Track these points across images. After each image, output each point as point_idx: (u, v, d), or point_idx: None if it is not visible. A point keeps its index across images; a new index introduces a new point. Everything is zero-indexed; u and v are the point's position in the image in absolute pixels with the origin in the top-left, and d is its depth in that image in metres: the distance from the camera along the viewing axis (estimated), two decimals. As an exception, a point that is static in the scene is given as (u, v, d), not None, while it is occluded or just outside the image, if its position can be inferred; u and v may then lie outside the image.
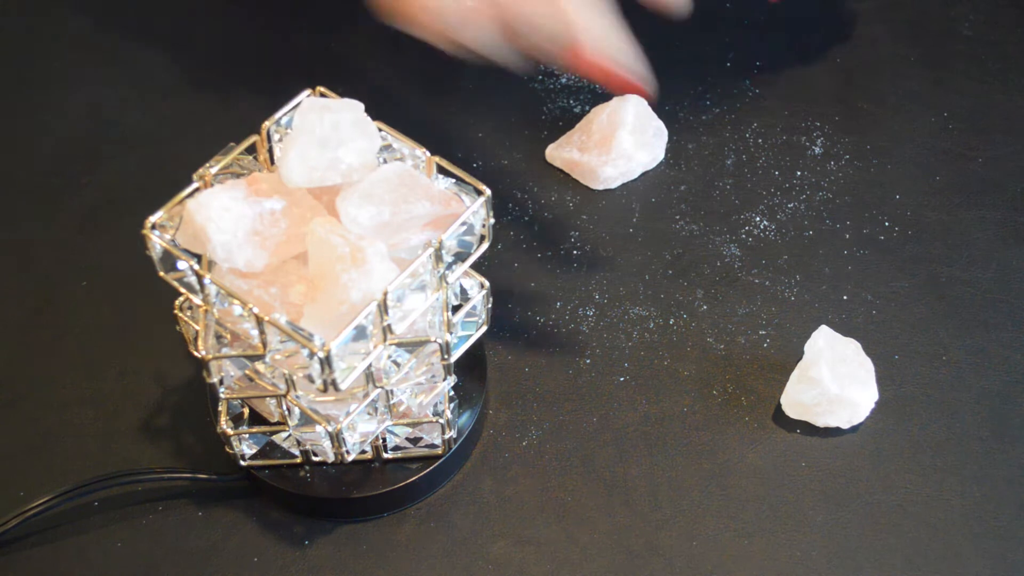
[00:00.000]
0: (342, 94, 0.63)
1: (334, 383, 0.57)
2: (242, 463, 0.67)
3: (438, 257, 0.59)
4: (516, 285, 0.78)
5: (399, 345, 0.61)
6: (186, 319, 0.63)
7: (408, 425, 0.67)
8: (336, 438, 0.63)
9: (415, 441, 0.68)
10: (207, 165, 0.62)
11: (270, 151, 0.63)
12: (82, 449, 0.71)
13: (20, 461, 0.71)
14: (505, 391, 0.73)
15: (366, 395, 0.62)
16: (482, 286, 0.65)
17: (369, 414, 0.64)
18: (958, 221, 0.81)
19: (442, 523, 0.68)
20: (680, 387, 0.73)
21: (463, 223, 0.60)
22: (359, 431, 0.65)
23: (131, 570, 0.67)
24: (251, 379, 0.64)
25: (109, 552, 0.67)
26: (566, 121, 0.86)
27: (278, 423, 0.66)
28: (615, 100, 0.84)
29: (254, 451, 0.68)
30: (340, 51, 0.91)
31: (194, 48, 0.92)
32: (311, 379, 0.58)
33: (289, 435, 0.67)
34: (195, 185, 0.61)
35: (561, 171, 0.84)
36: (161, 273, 0.61)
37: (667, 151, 0.85)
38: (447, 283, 0.61)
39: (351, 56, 0.91)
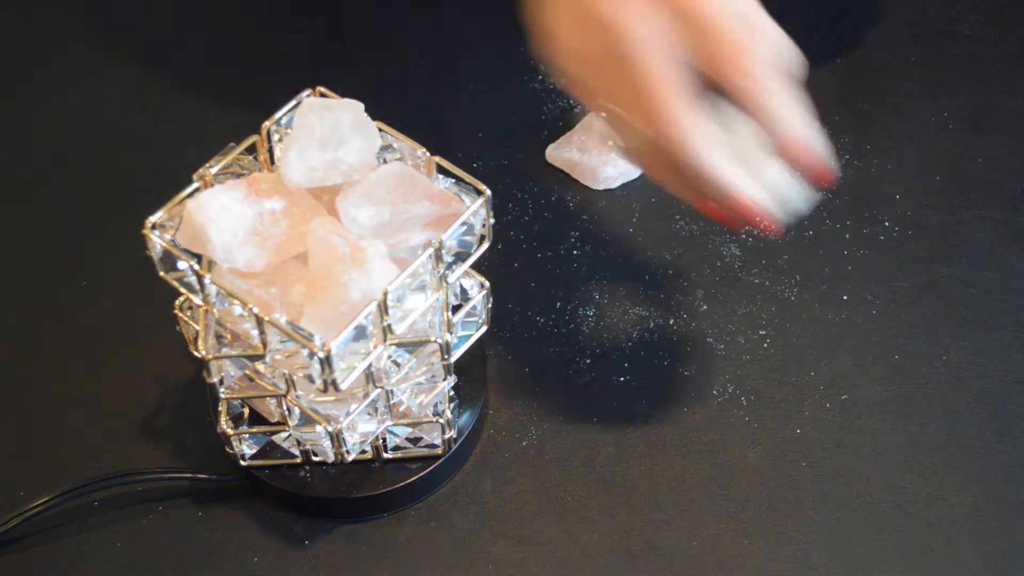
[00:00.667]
0: (342, 94, 0.63)
1: (334, 383, 0.57)
2: (242, 463, 0.67)
3: (438, 257, 0.59)
4: (516, 285, 0.78)
5: (399, 345, 0.61)
6: (186, 319, 0.63)
7: (408, 425, 0.67)
8: (336, 438, 0.63)
9: (415, 441, 0.68)
10: (207, 165, 0.62)
11: (270, 151, 0.63)
12: (82, 449, 0.71)
13: (20, 461, 0.71)
14: (505, 391, 0.73)
15: (366, 395, 0.62)
16: (482, 286, 0.65)
17: (369, 414, 0.64)
18: (958, 221, 0.81)
19: (442, 523, 0.68)
20: (680, 387, 0.73)
21: (463, 223, 0.60)
22: (359, 431, 0.65)
23: (131, 570, 0.67)
24: (251, 379, 0.64)
25: (109, 552, 0.67)
26: (566, 121, 0.86)
27: (278, 423, 0.66)
28: None
29: (254, 451, 0.68)
30: (340, 51, 0.91)
31: (194, 48, 0.92)
32: (311, 379, 0.58)
33: (289, 435, 0.67)
34: (195, 185, 0.61)
35: (561, 171, 0.84)
36: (161, 273, 0.61)
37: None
38: (447, 283, 0.61)
39: (351, 56, 0.91)
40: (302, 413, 0.63)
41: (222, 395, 0.64)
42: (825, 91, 0.88)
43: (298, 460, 0.67)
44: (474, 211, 0.60)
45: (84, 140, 0.87)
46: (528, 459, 0.71)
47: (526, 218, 0.81)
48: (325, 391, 0.58)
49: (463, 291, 0.66)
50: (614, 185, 0.82)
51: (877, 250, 0.79)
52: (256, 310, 0.56)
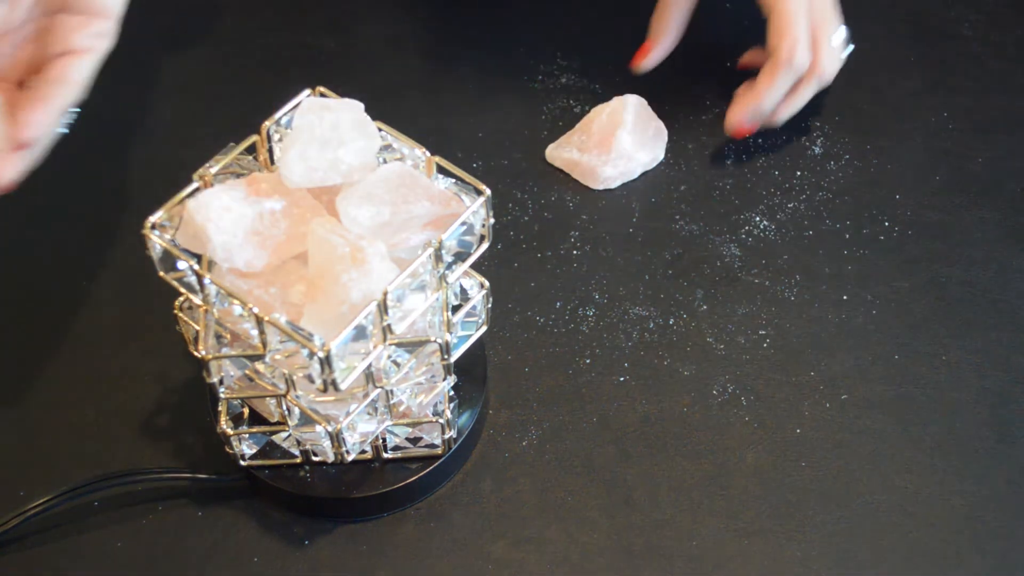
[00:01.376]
0: (342, 94, 0.63)
1: (334, 383, 0.57)
2: (242, 463, 0.67)
3: (438, 257, 0.59)
4: (516, 285, 0.78)
5: (399, 345, 0.61)
6: (186, 319, 0.63)
7: (408, 425, 0.67)
8: (336, 438, 0.63)
9: (415, 441, 0.68)
10: (207, 165, 0.62)
11: (270, 151, 0.63)
12: (82, 449, 0.71)
13: (20, 461, 0.71)
14: (505, 391, 0.73)
15: (366, 395, 0.62)
16: (482, 286, 0.65)
17: (369, 414, 0.64)
18: (958, 221, 0.81)
19: (442, 523, 0.68)
20: (680, 387, 0.73)
21: (463, 223, 0.60)
22: (359, 431, 0.65)
23: (131, 570, 0.67)
24: (251, 379, 0.64)
25: (109, 552, 0.67)
26: (566, 121, 0.86)
27: (278, 423, 0.66)
28: (615, 100, 0.84)
29: (254, 451, 0.68)
30: (340, 51, 0.91)
31: (194, 48, 0.92)
32: (311, 379, 0.58)
33: (289, 435, 0.67)
34: (195, 185, 0.61)
35: (561, 171, 0.84)
36: (161, 273, 0.61)
37: (667, 151, 0.85)
38: (447, 283, 0.61)
39: (351, 56, 0.91)
40: (302, 413, 0.63)
41: (222, 395, 0.64)
42: (825, 91, 0.88)
43: (298, 460, 0.67)
44: (474, 211, 0.60)
45: (84, 140, 0.86)
46: (528, 459, 0.71)
47: (526, 218, 0.81)
48: (325, 391, 0.58)
49: (463, 291, 0.66)
50: (614, 185, 0.82)
51: (877, 250, 0.79)
52: (256, 310, 0.56)
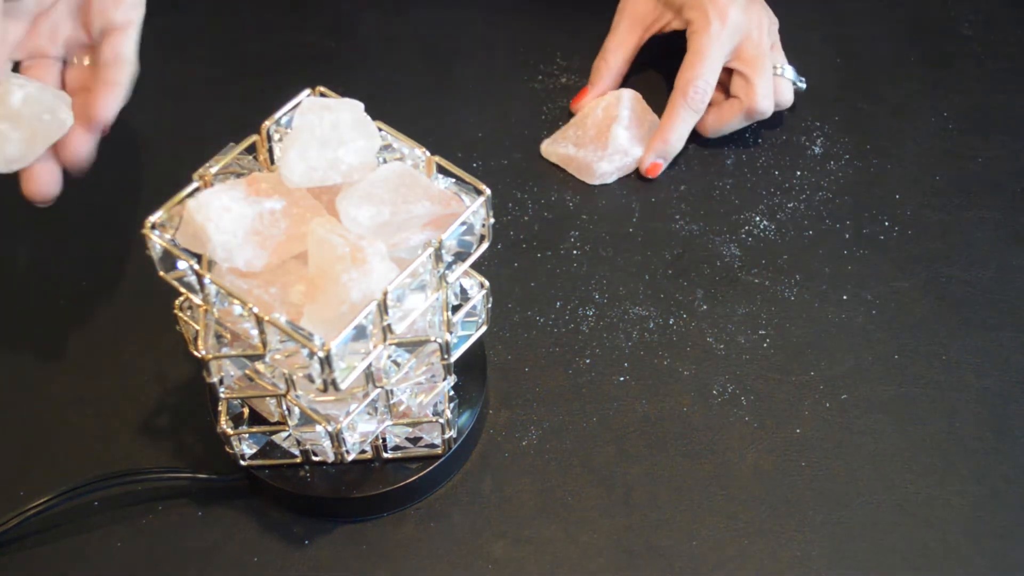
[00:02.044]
0: (342, 94, 0.63)
1: (334, 383, 0.57)
2: (242, 463, 0.67)
3: (438, 257, 0.59)
4: (516, 285, 0.78)
5: (399, 345, 0.61)
6: (186, 319, 0.63)
7: (408, 425, 0.67)
8: (336, 438, 0.63)
9: (415, 441, 0.68)
10: (207, 165, 0.62)
11: (270, 151, 0.63)
12: (82, 449, 0.71)
13: (20, 461, 0.71)
14: (505, 391, 0.73)
15: (366, 395, 0.62)
16: (482, 286, 0.65)
17: (369, 414, 0.64)
18: (958, 221, 0.81)
19: (442, 523, 0.68)
20: (680, 387, 0.73)
21: (463, 223, 0.60)
22: (359, 431, 0.65)
23: (131, 570, 0.67)
24: (251, 379, 0.64)
25: (109, 552, 0.67)
26: (566, 121, 0.86)
27: (278, 423, 0.66)
28: (610, 95, 0.84)
29: (254, 451, 0.68)
30: (340, 51, 0.91)
31: (194, 48, 0.92)
32: (311, 379, 0.58)
33: (289, 435, 0.67)
34: (195, 185, 0.61)
35: (559, 168, 0.84)
36: (161, 273, 0.61)
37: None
38: (447, 283, 0.61)
39: (351, 56, 0.91)
40: (302, 413, 0.63)
41: (222, 395, 0.64)
42: (825, 91, 0.88)
43: (298, 460, 0.67)
44: (474, 211, 0.60)
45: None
46: (528, 459, 0.71)
47: (526, 218, 0.81)
48: (325, 391, 0.58)
49: (463, 291, 0.66)
50: (610, 180, 0.82)
51: (877, 250, 0.79)
52: (256, 310, 0.56)
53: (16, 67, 0.69)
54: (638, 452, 0.71)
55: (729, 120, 0.83)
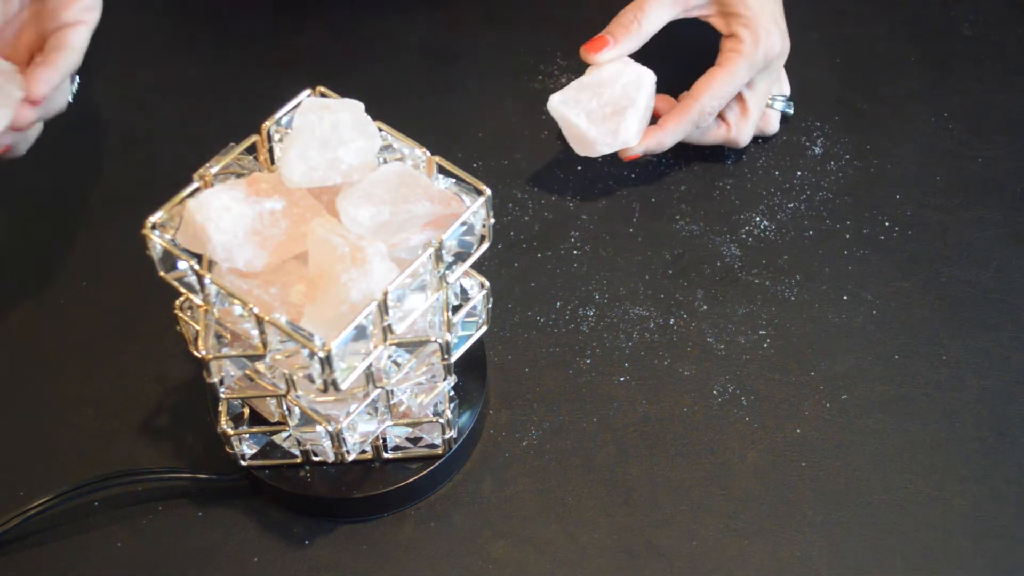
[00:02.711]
0: (342, 94, 0.63)
1: (334, 383, 0.57)
2: (242, 463, 0.67)
3: (438, 257, 0.59)
4: (516, 285, 0.78)
5: (399, 345, 0.61)
6: (186, 319, 0.63)
7: (408, 425, 0.67)
8: (336, 438, 0.63)
9: (415, 441, 0.68)
10: (207, 165, 0.62)
11: (270, 151, 0.63)
12: (82, 449, 0.71)
13: (20, 461, 0.71)
14: (505, 391, 0.73)
15: (366, 395, 0.62)
16: (482, 286, 0.65)
17: (369, 414, 0.64)
18: (958, 221, 0.81)
19: (442, 523, 0.68)
20: (680, 387, 0.73)
21: (463, 223, 0.60)
22: (359, 431, 0.65)
23: (131, 570, 0.67)
24: (251, 379, 0.64)
25: (109, 552, 0.67)
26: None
27: (278, 423, 0.66)
28: (633, 71, 0.80)
29: (254, 451, 0.68)
30: (340, 51, 0.91)
31: (195, 48, 0.92)
32: (311, 379, 0.58)
33: (289, 435, 0.67)
34: (195, 185, 0.61)
35: (560, 172, 0.84)
36: (161, 273, 0.61)
37: (667, 151, 0.84)
38: (447, 283, 0.61)
39: (351, 56, 0.91)
40: (302, 413, 0.63)
41: (222, 395, 0.64)
42: (825, 91, 0.88)
43: (298, 460, 0.67)
44: (474, 211, 0.60)
45: (85, 140, 0.87)
46: (528, 459, 0.71)
47: (526, 218, 0.81)
48: (325, 391, 0.58)
49: (463, 291, 0.66)
50: (596, 156, 0.80)
51: (877, 250, 0.79)
52: (256, 310, 0.56)
53: None
54: (638, 452, 0.71)
55: (710, 141, 0.83)
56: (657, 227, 0.81)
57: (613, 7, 0.89)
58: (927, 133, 0.86)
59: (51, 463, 0.71)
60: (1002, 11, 0.93)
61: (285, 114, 0.63)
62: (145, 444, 0.71)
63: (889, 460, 0.70)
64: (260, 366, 0.63)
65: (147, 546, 0.68)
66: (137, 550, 0.67)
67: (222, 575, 0.67)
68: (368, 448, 0.67)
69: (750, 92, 0.81)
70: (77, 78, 0.74)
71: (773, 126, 0.84)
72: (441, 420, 0.66)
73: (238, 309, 0.59)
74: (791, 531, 0.68)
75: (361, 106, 0.62)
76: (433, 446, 0.68)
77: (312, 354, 0.56)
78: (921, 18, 0.93)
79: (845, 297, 0.77)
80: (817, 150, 0.85)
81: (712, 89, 0.79)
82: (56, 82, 0.71)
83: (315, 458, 0.67)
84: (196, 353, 0.61)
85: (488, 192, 0.61)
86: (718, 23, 0.82)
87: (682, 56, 0.83)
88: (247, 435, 0.67)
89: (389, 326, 0.59)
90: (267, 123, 0.62)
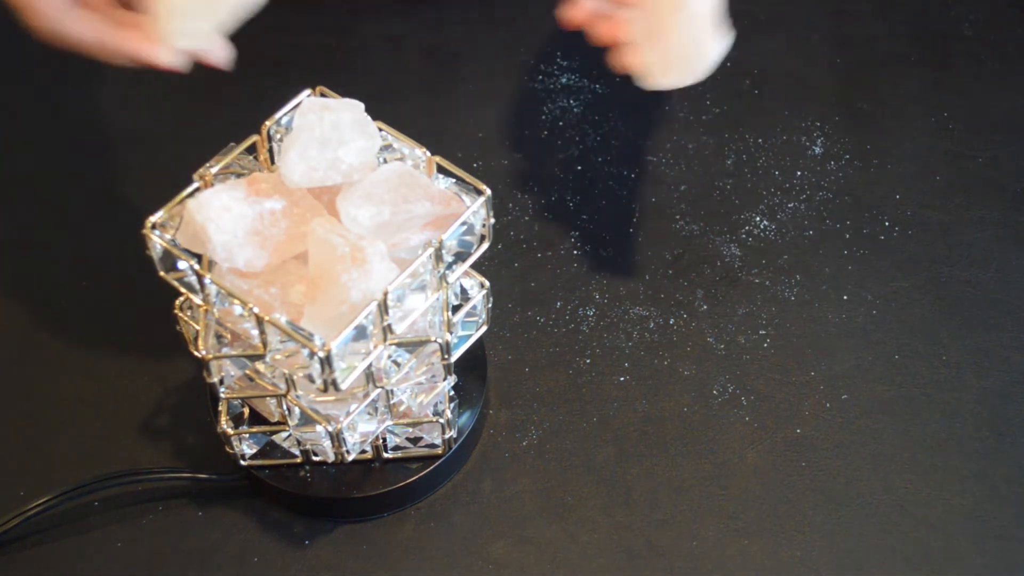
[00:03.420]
0: (342, 94, 0.63)
1: (334, 383, 0.57)
2: (242, 463, 0.67)
3: (438, 257, 0.59)
4: (516, 285, 0.78)
5: (399, 345, 0.61)
6: (186, 319, 0.63)
7: (408, 425, 0.67)
8: (336, 438, 0.63)
9: (415, 441, 0.68)
10: (207, 165, 0.62)
11: (270, 151, 0.63)
12: (82, 449, 0.71)
13: (20, 461, 0.71)
14: (505, 391, 0.73)
15: (366, 395, 0.62)
16: (482, 286, 0.65)
17: (369, 414, 0.64)
18: (958, 221, 0.81)
19: (442, 523, 0.68)
20: (680, 387, 0.73)
21: (463, 223, 0.60)
22: (359, 431, 0.65)
23: (131, 570, 0.67)
24: (251, 379, 0.64)
25: (109, 552, 0.67)
26: (566, 121, 0.86)
27: (278, 423, 0.66)
28: None
29: (254, 451, 0.68)
30: (340, 51, 0.91)
31: (194, 48, 0.92)
32: (311, 379, 0.58)
33: (289, 435, 0.67)
34: (195, 185, 0.61)
35: (560, 172, 0.83)
36: (161, 273, 0.61)
37: (667, 151, 0.84)
38: (447, 283, 0.61)
39: (351, 56, 0.91)
40: (302, 413, 0.63)
41: (222, 395, 0.64)
42: (825, 91, 0.88)
43: (298, 460, 0.67)
44: (474, 211, 0.60)
45: (85, 140, 0.87)
46: (528, 459, 0.71)
47: (526, 218, 0.81)
48: (325, 391, 0.58)
49: (463, 291, 0.66)
50: None
51: (877, 250, 0.79)
52: (256, 310, 0.56)
53: None
54: (638, 452, 0.71)
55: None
56: (657, 227, 0.81)
57: (613, 7, 0.88)
58: (927, 133, 0.86)
59: (51, 463, 0.71)
60: (1002, 11, 0.93)
61: (285, 114, 0.63)
62: (145, 444, 0.71)
63: (889, 460, 0.70)
64: (260, 366, 0.63)
65: (147, 546, 0.68)
66: (137, 550, 0.67)
67: (222, 575, 0.67)
68: (368, 448, 0.67)
69: None
70: None
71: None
72: (441, 420, 0.66)
73: (238, 309, 0.59)
74: (791, 531, 0.68)
75: (361, 106, 0.62)
76: (433, 446, 0.68)
77: (312, 354, 0.56)
78: (921, 18, 0.93)
79: (845, 297, 0.77)
80: (817, 150, 0.85)
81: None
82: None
83: (315, 458, 0.67)
84: (196, 353, 0.61)
85: (488, 192, 0.61)
86: None
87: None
88: (247, 435, 0.67)
89: (389, 326, 0.59)
90: (267, 123, 0.62)
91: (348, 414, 0.63)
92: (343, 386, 0.58)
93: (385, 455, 0.68)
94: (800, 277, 0.78)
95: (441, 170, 0.62)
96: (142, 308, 0.76)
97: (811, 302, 0.77)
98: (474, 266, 0.64)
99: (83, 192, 0.83)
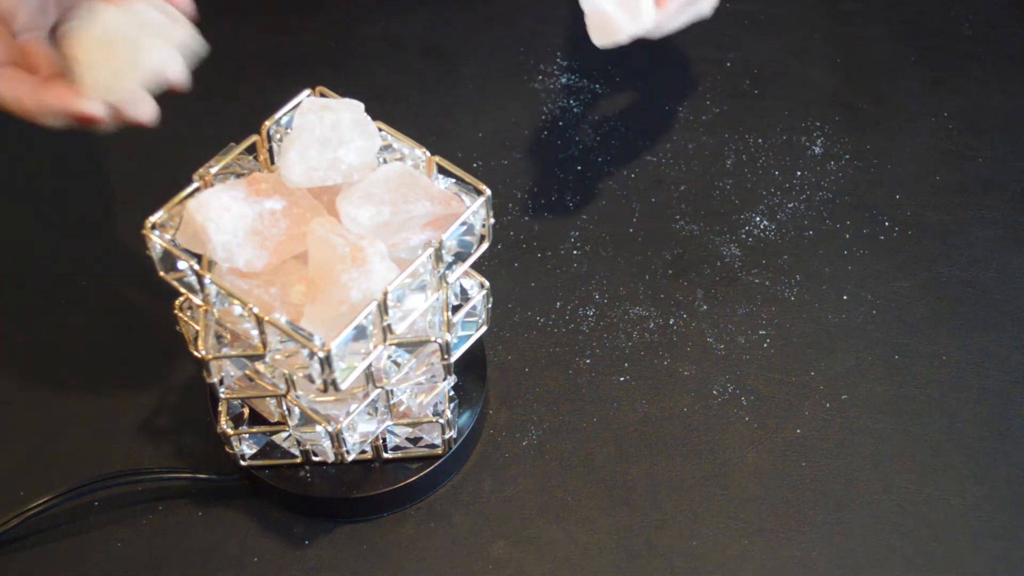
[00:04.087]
0: (342, 94, 0.63)
1: (334, 383, 0.57)
2: (242, 463, 0.67)
3: (438, 257, 0.59)
4: (516, 285, 0.78)
5: (399, 345, 0.61)
6: (186, 319, 0.63)
7: (408, 425, 0.67)
8: (336, 438, 0.63)
9: (415, 441, 0.68)
10: (207, 165, 0.62)
11: (270, 151, 0.63)
12: (82, 449, 0.71)
13: (20, 461, 0.71)
14: (505, 391, 0.73)
15: (366, 395, 0.62)
16: (482, 286, 0.65)
17: (369, 414, 0.64)
18: (958, 221, 0.81)
19: (442, 523, 0.68)
20: (680, 387, 0.73)
21: (463, 223, 0.60)
22: (359, 431, 0.65)
23: (131, 570, 0.67)
24: (251, 379, 0.64)
25: (109, 552, 0.67)
26: (566, 121, 0.86)
27: (278, 423, 0.66)
28: None
29: (254, 451, 0.68)
30: (340, 51, 0.91)
31: (194, 48, 0.92)
32: (311, 379, 0.58)
33: (289, 435, 0.67)
34: (195, 185, 0.61)
35: (560, 172, 0.84)
36: (161, 273, 0.61)
37: (667, 151, 0.84)
38: (447, 283, 0.61)
39: (351, 56, 0.91)
40: (302, 413, 0.63)
41: (222, 395, 0.64)
42: (825, 91, 0.88)
43: (298, 460, 0.67)
44: (474, 211, 0.60)
45: (85, 140, 0.87)
46: (528, 459, 0.71)
47: (526, 218, 0.81)
48: (325, 391, 0.58)
49: (463, 291, 0.66)
50: (624, 40, 0.75)
51: (877, 250, 0.79)
52: (256, 310, 0.56)
53: None
54: (638, 452, 0.71)
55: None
56: (657, 227, 0.81)
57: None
58: (927, 133, 0.86)
59: (51, 463, 0.71)
60: (1002, 11, 0.93)
61: (285, 114, 0.63)
62: (145, 444, 0.71)
63: (889, 460, 0.70)
64: (260, 366, 0.63)
65: (147, 546, 0.68)
66: (137, 550, 0.67)
67: (222, 575, 0.67)
68: (368, 448, 0.67)
69: None
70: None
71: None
72: (441, 420, 0.66)
73: (238, 309, 0.59)
74: (791, 531, 0.68)
75: (361, 106, 0.62)
76: (433, 446, 0.68)
77: (312, 354, 0.56)
78: (921, 18, 0.93)
79: (845, 297, 0.77)
80: (817, 150, 0.85)
81: None
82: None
83: (315, 458, 0.67)
84: (196, 353, 0.61)
85: (488, 192, 0.61)
86: None
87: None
88: (247, 435, 0.67)
89: (389, 326, 0.59)
90: (267, 123, 0.62)
91: (348, 414, 0.63)
92: (343, 386, 0.58)
93: (385, 455, 0.68)
94: (800, 277, 0.78)
95: (441, 170, 0.62)
96: (142, 308, 0.77)
97: (811, 302, 0.77)
98: (474, 266, 0.64)
99: (83, 192, 0.83)
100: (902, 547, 0.67)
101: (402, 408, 0.66)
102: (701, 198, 0.82)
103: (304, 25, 0.93)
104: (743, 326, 0.76)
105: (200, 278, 0.58)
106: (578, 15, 0.93)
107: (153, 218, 0.59)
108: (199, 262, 0.59)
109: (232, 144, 0.63)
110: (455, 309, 0.64)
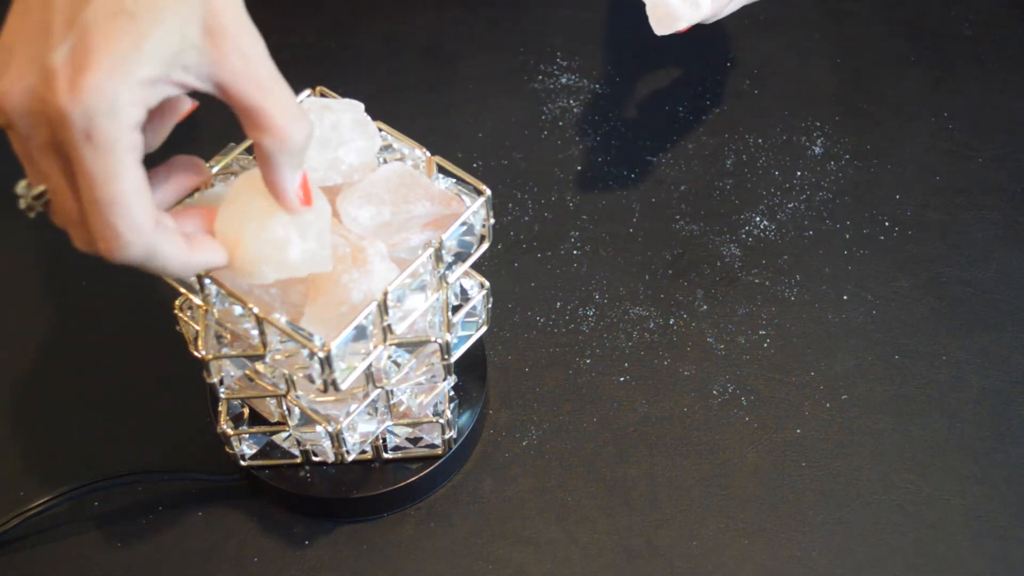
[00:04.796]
0: (342, 94, 0.63)
1: (334, 383, 0.57)
2: (242, 463, 0.67)
3: (438, 257, 0.59)
4: (516, 285, 0.78)
5: (399, 345, 0.61)
6: (186, 319, 0.63)
7: (408, 425, 0.67)
8: (336, 438, 0.63)
9: (415, 441, 0.68)
10: (207, 165, 0.62)
11: (270, 151, 0.63)
12: (82, 449, 0.71)
13: (20, 461, 0.71)
14: (505, 391, 0.73)
15: (366, 395, 0.62)
16: (482, 286, 0.65)
17: (369, 414, 0.64)
18: (958, 221, 0.81)
19: (442, 523, 0.68)
20: (680, 387, 0.73)
21: (463, 223, 0.60)
22: (359, 431, 0.65)
23: (131, 570, 0.67)
24: (251, 379, 0.64)
25: (109, 552, 0.67)
26: (566, 121, 0.86)
27: (278, 423, 0.66)
28: None
29: (254, 451, 0.68)
30: (340, 51, 0.91)
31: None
32: (311, 379, 0.58)
33: (289, 435, 0.67)
34: (195, 185, 0.61)
35: (559, 169, 0.83)
36: (161, 273, 0.60)
37: (667, 151, 0.84)
38: (447, 283, 0.61)
39: (351, 56, 0.91)
40: (302, 413, 0.63)
41: (222, 395, 0.64)
42: (825, 91, 0.88)
43: (298, 460, 0.67)
44: (474, 211, 0.60)
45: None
46: (528, 459, 0.71)
47: (526, 218, 0.81)
48: (325, 391, 0.58)
49: (463, 291, 0.66)
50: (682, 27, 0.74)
51: (877, 250, 0.79)
52: (256, 310, 0.56)
53: None
54: (638, 452, 0.71)
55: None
56: (657, 227, 0.81)
57: (614, 7, 0.89)
58: (927, 133, 0.86)
59: (51, 463, 0.71)
60: (1002, 11, 0.93)
61: (285, 114, 0.62)
62: (145, 444, 0.71)
63: (889, 460, 0.70)
64: (260, 366, 0.63)
65: (147, 546, 0.68)
66: (137, 550, 0.67)
67: (222, 575, 0.67)
68: (368, 448, 0.67)
69: None
70: None
71: None
72: (441, 420, 0.66)
73: (238, 309, 0.59)
74: (791, 531, 0.68)
75: (361, 106, 0.62)
76: (433, 446, 0.68)
77: (312, 354, 0.56)
78: (921, 18, 0.93)
79: (845, 297, 0.77)
80: (817, 150, 0.85)
81: None
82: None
83: (315, 458, 0.67)
84: (196, 353, 0.61)
85: (488, 192, 0.61)
86: None
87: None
88: (247, 435, 0.67)
89: (389, 326, 0.59)
90: (267, 123, 0.62)
91: (348, 414, 0.63)
92: (343, 386, 0.58)
93: (385, 455, 0.68)
94: (800, 277, 0.78)
95: (441, 170, 0.62)
96: (142, 308, 0.77)
97: (811, 302, 0.77)
98: (474, 266, 0.64)
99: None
100: (902, 547, 0.67)
101: (402, 408, 0.66)
102: (701, 198, 0.82)
103: (304, 25, 0.93)
104: (743, 326, 0.76)
105: (200, 278, 0.58)
106: (578, 15, 0.93)
107: (153, 218, 0.59)
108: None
109: (232, 144, 0.63)
110: (455, 309, 0.64)
